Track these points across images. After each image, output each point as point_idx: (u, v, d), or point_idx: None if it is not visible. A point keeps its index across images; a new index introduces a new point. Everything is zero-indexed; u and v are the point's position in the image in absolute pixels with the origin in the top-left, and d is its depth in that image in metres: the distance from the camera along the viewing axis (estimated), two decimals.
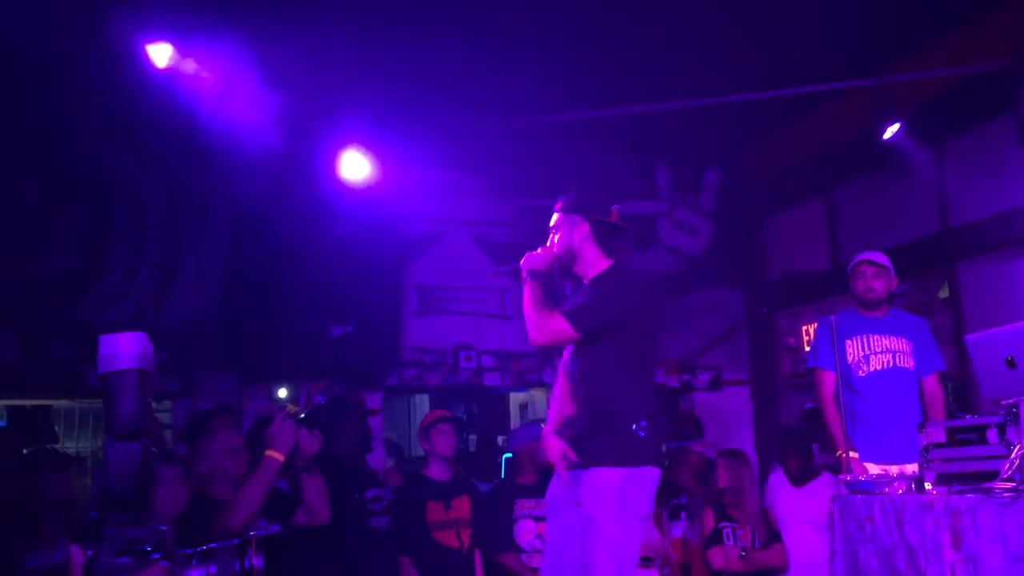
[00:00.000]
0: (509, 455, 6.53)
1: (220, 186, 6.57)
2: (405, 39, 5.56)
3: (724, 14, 5.55)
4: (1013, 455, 3.00)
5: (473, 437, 10.18)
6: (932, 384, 4.54)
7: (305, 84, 5.38)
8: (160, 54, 5.01)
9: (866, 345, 4.55)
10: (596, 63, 5.97)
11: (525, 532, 5.03)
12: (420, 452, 5.38)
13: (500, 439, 9.46)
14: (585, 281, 3.57)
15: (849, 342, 4.55)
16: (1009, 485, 2.94)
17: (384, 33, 5.48)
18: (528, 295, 3.48)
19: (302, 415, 3.95)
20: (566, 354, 3.54)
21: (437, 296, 7.41)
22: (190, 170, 6.51)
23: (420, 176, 7.06)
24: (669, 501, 5.26)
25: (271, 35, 4.92)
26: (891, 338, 4.55)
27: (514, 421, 10.44)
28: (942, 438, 3.44)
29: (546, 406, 10.88)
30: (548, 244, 3.59)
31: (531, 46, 5.69)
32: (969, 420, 3.34)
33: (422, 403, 10.12)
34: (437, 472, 4.94)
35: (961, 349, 5.83)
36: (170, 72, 5.06)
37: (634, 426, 3.31)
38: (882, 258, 4.61)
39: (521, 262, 3.53)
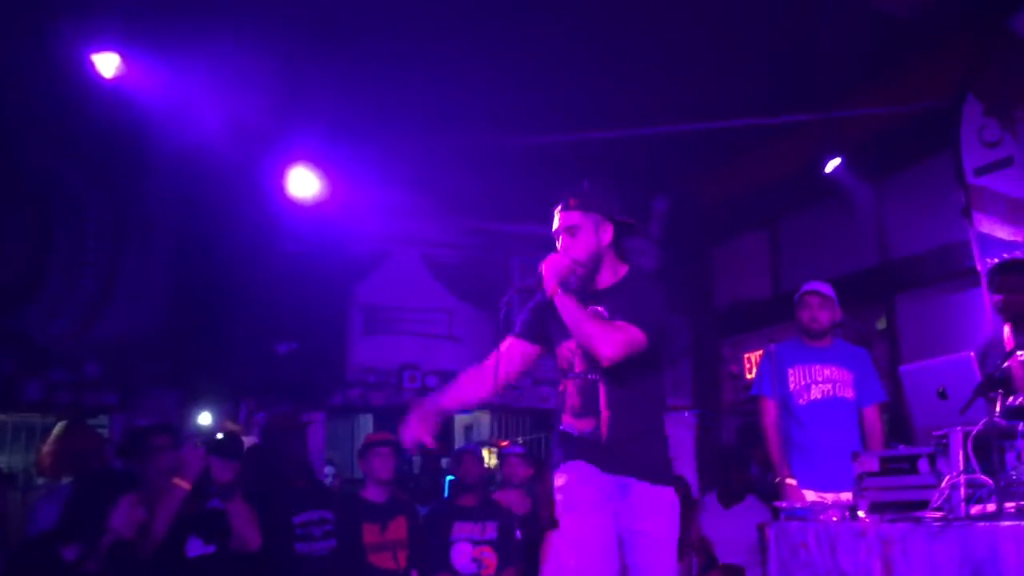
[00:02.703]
0: (452, 477, 6.50)
1: (166, 199, 6.50)
2: (359, 56, 5.57)
3: (676, 46, 5.65)
4: (943, 485, 3.06)
5: (417, 459, 10.13)
6: (872, 414, 4.63)
7: (256, 99, 5.36)
8: (107, 64, 4.95)
9: (808, 374, 4.63)
10: (548, 88, 6.03)
11: (461, 555, 5.03)
12: (361, 474, 5.34)
13: (444, 461, 9.41)
14: (598, 287, 3.17)
15: (791, 371, 4.63)
16: (938, 515, 3.00)
17: (338, 50, 5.48)
18: (575, 309, 3.01)
19: (215, 442, 3.92)
20: (586, 370, 3.13)
21: (384, 316, 7.39)
22: (136, 182, 6.43)
23: (370, 195, 7.05)
24: None
25: (222, 48, 4.89)
26: (832, 368, 4.63)
27: (458, 443, 10.42)
28: (875, 467, 3.51)
29: (488, 425, 10.84)
30: (562, 249, 3.14)
31: (485, 68, 5.74)
32: (901, 450, 3.41)
33: (366, 423, 10.05)
34: (374, 494, 4.92)
35: (897, 380, 5.95)
36: (117, 83, 5.01)
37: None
38: (827, 289, 4.70)
39: (545, 274, 3.04)
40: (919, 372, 3.56)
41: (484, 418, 11.07)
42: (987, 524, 2.74)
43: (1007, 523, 2.70)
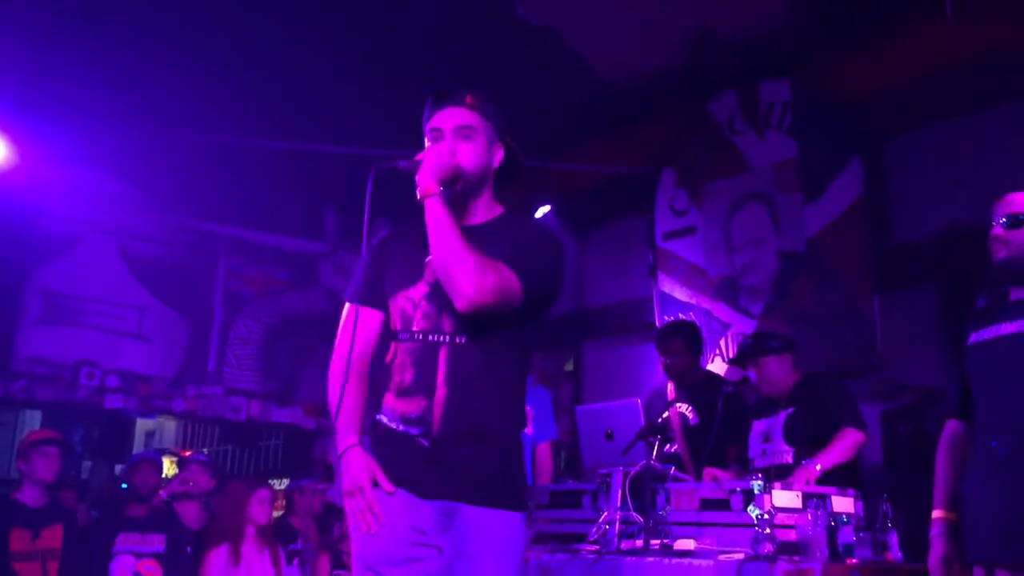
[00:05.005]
0: (125, 485, 6.10)
1: None
2: (77, 28, 5.17)
3: (406, 71, 5.74)
4: (601, 520, 3.32)
5: (88, 463, 9.40)
6: (543, 451, 4.92)
7: None
8: None
9: None
10: (275, 94, 5.90)
11: (122, 569, 4.74)
12: (16, 474, 4.88)
13: (118, 467, 8.80)
14: (468, 223, 2.35)
15: None
16: (594, 548, 3.24)
17: (54, 17, 5.05)
18: (448, 223, 2.20)
19: None
20: (428, 331, 2.30)
21: (66, 305, 6.79)
22: None
23: (68, 173, 6.49)
24: (286, 545, 5.17)
25: None
26: None
27: (137, 448, 9.78)
28: (546, 500, 3.74)
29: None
30: (447, 151, 2.30)
31: (206, 65, 5.52)
32: (569, 485, 3.66)
33: (32, 420, 9.17)
34: (30, 497, 4.53)
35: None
36: None
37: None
38: None
39: (426, 165, 2.24)
40: (591, 413, 3.84)
41: (169, 424, 10.49)
42: (634, 559, 3.01)
43: (651, 558, 2.98)
